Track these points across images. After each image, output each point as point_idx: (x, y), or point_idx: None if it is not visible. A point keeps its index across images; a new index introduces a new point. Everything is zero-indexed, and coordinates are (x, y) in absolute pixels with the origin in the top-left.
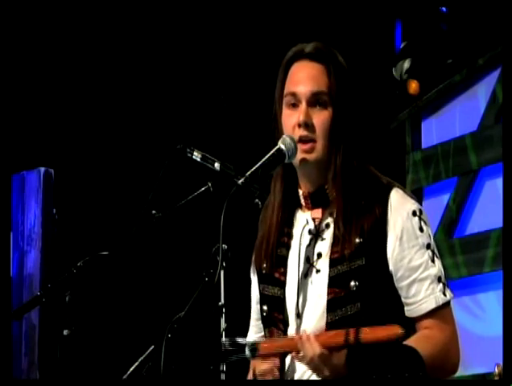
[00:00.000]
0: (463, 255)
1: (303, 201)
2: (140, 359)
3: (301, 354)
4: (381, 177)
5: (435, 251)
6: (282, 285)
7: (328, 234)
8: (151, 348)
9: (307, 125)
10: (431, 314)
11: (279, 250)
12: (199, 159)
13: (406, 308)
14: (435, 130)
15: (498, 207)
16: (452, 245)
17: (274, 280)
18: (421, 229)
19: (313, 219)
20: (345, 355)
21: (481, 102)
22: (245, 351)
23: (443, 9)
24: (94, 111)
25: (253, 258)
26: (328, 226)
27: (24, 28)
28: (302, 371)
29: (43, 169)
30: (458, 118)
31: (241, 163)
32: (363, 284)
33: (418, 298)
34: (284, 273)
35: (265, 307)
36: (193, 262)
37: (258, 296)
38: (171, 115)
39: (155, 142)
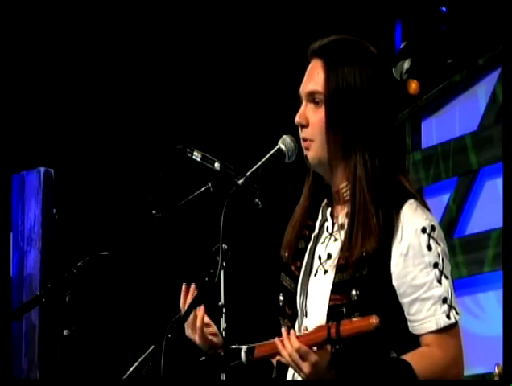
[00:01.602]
0: (463, 255)
1: (326, 195)
2: (140, 359)
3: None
4: (403, 184)
5: (445, 270)
6: (295, 279)
7: (341, 236)
8: (151, 348)
9: (302, 125)
10: (432, 333)
11: (300, 243)
12: (199, 159)
13: (408, 324)
14: (435, 130)
15: (498, 207)
16: (452, 245)
17: (290, 272)
18: (429, 247)
19: (332, 217)
20: (329, 355)
21: (481, 102)
22: (240, 357)
23: (443, 9)
24: (94, 111)
25: (281, 247)
26: (342, 227)
27: (24, 28)
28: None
29: (43, 169)
30: (458, 118)
31: (241, 163)
32: (364, 294)
33: (419, 317)
34: (299, 268)
35: (281, 297)
36: (193, 262)
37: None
38: (171, 115)
39: (155, 142)
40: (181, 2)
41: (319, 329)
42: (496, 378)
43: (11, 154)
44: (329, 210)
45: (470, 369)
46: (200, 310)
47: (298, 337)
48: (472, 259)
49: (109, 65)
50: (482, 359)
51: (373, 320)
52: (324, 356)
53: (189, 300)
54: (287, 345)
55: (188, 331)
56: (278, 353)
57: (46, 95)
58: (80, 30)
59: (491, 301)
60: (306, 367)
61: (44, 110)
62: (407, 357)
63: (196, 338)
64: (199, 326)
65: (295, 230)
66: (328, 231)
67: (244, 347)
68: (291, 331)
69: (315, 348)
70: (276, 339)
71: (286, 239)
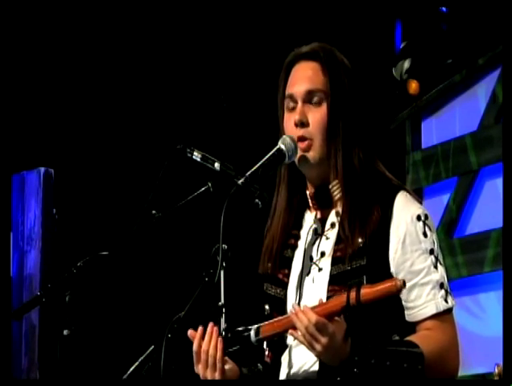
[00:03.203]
0: (463, 255)
1: (310, 202)
2: (140, 359)
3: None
4: (389, 177)
5: (439, 257)
6: (284, 286)
7: (333, 233)
8: (151, 348)
9: (303, 123)
10: (431, 318)
11: (285, 252)
12: (199, 159)
13: (406, 312)
14: (435, 130)
15: (498, 207)
16: (452, 245)
17: (277, 280)
18: (425, 234)
19: (319, 219)
20: (344, 324)
21: (481, 102)
22: (249, 337)
23: (443, 9)
24: (94, 111)
25: (260, 264)
26: (333, 225)
27: (24, 28)
28: (301, 363)
29: (43, 169)
30: (458, 118)
31: (241, 163)
32: (362, 281)
33: (418, 303)
34: (288, 275)
35: (266, 306)
36: (193, 262)
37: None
38: (171, 115)
39: (155, 142)
40: (181, 2)
41: (335, 298)
42: (496, 378)
43: (11, 154)
44: (315, 215)
45: (470, 369)
46: (219, 343)
47: (312, 309)
48: (472, 259)
49: (109, 65)
50: (482, 359)
51: (398, 282)
52: (340, 326)
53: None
54: (302, 318)
55: (201, 370)
56: (288, 329)
57: (46, 95)
58: (80, 30)
59: (491, 301)
60: (323, 338)
61: (44, 110)
62: (412, 339)
63: (216, 375)
64: (219, 358)
65: (279, 240)
66: (317, 233)
67: (254, 327)
68: (304, 305)
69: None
70: (290, 313)
71: (267, 251)
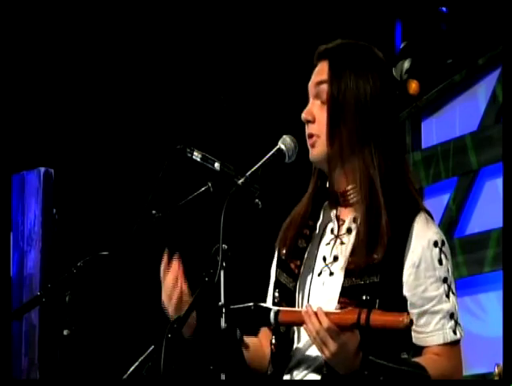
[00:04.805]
0: (463, 255)
1: (329, 196)
2: (140, 359)
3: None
4: (414, 196)
5: (452, 286)
6: (295, 277)
7: (348, 240)
8: (151, 348)
9: (308, 120)
10: (438, 345)
11: (300, 241)
12: (199, 159)
13: (413, 334)
14: (435, 130)
15: (498, 207)
16: (452, 245)
17: (289, 270)
18: (440, 261)
19: (337, 219)
20: (358, 337)
21: (481, 102)
22: (269, 317)
23: (443, 9)
24: (94, 111)
25: (277, 240)
26: (349, 231)
27: (24, 28)
28: (304, 364)
29: (43, 169)
30: (458, 118)
31: (241, 163)
32: (374, 300)
33: (426, 330)
34: (299, 266)
35: (276, 293)
36: (193, 262)
37: (273, 279)
38: (171, 115)
39: (155, 142)
40: (181, 2)
41: (348, 312)
42: (496, 378)
43: (11, 154)
44: (333, 211)
45: (470, 369)
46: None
47: (326, 314)
48: (472, 259)
49: (109, 65)
50: (482, 360)
51: (405, 319)
52: (354, 337)
53: (170, 275)
54: (315, 321)
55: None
56: (302, 322)
57: (46, 95)
58: (80, 29)
59: (491, 301)
60: (333, 345)
61: (44, 110)
62: (420, 361)
63: (173, 304)
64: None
65: (295, 228)
66: (333, 233)
67: (274, 308)
68: (319, 308)
69: None
70: (303, 312)
71: (284, 235)
